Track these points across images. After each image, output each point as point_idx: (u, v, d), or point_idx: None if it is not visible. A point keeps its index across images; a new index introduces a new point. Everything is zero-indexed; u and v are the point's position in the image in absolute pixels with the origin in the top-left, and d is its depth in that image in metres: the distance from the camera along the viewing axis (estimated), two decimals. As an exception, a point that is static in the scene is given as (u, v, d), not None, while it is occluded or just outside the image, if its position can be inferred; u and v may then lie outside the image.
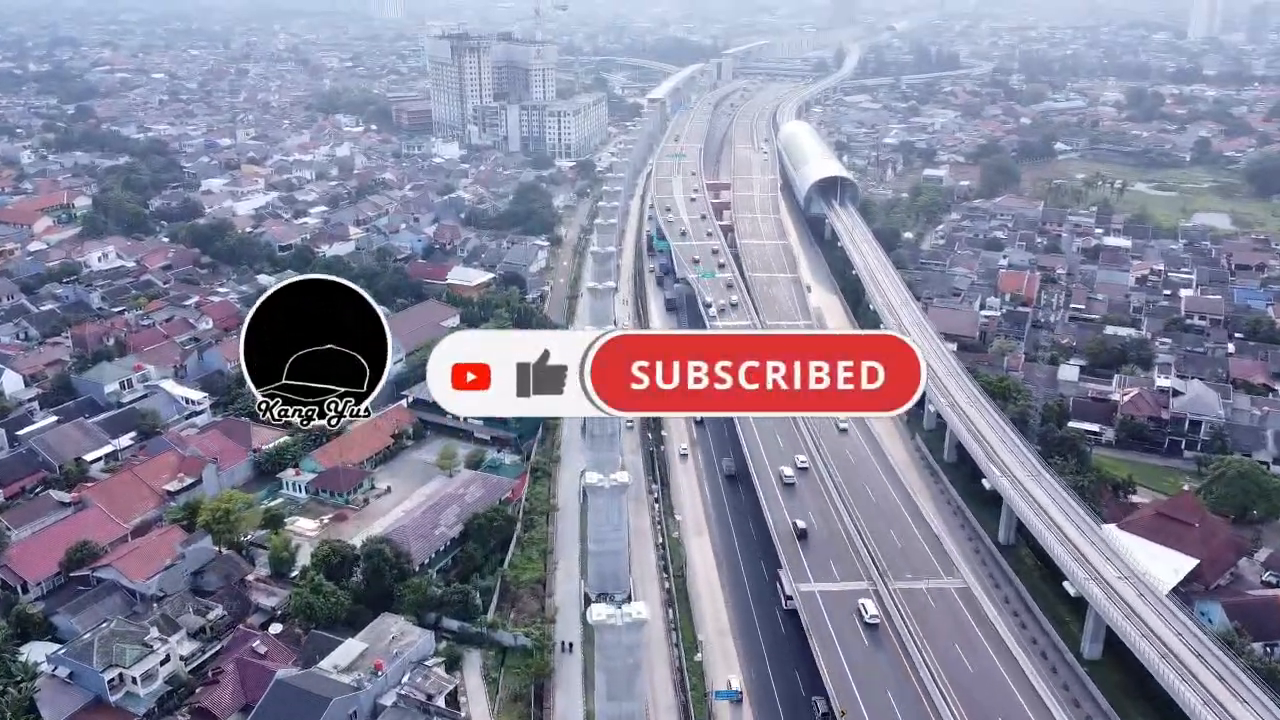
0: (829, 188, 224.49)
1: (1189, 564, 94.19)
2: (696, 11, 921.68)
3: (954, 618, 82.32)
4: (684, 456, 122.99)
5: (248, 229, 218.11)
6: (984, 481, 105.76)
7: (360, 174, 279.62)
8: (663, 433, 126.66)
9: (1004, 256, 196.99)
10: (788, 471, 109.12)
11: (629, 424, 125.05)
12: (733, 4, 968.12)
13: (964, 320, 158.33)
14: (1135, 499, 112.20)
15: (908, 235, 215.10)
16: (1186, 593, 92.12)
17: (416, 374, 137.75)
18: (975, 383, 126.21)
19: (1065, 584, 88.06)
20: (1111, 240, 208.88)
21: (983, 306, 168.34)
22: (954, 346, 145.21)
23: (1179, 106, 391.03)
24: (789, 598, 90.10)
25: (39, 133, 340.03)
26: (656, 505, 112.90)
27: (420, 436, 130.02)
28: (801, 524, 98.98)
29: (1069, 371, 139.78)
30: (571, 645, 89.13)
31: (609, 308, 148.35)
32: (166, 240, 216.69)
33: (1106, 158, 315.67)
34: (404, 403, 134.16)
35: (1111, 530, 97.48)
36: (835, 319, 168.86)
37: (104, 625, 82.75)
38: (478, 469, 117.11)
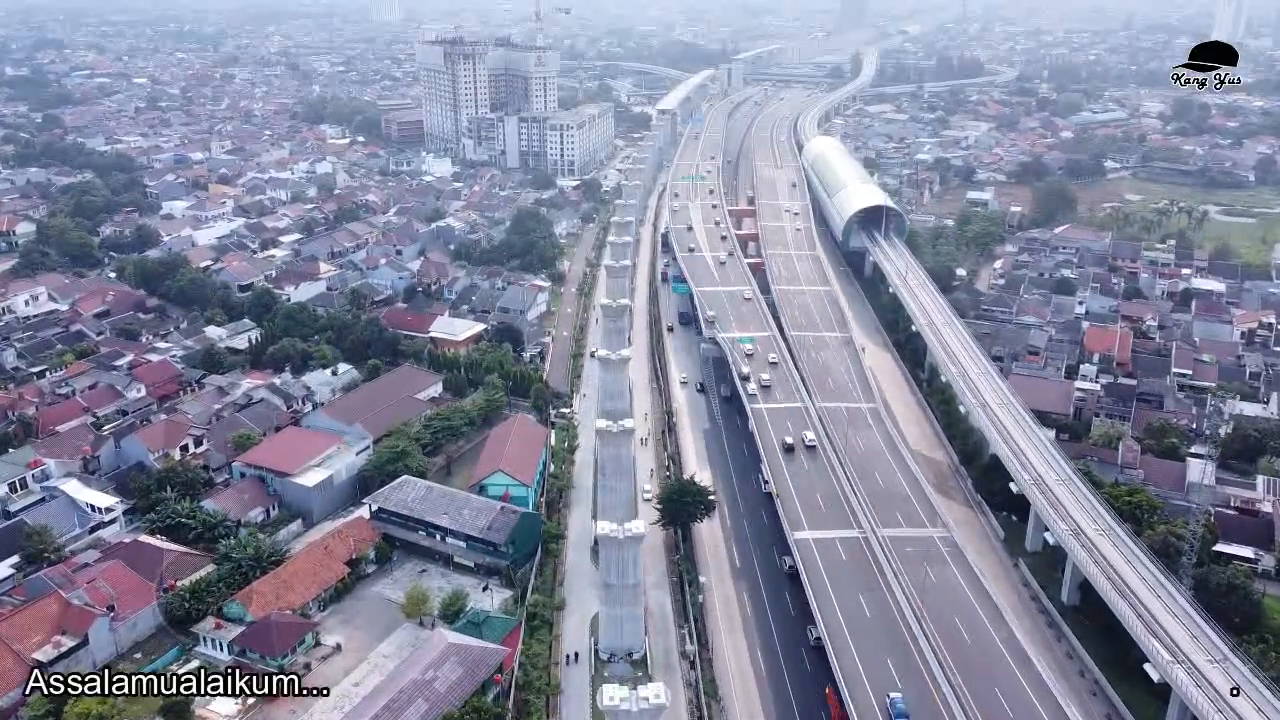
0: (869, 217, 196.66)
1: None
2: (701, 14, 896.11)
3: None
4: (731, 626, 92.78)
5: (206, 263, 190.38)
6: (1148, 669, 77.33)
7: (341, 194, 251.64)
8: (701, 578, 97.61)
9: (1080, 302, 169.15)
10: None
11: (654, 511, 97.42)
12: (736, 6, 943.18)
13: (1054, 394, 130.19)
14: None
15: (961, 272, 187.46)
16: None
17: (385, 472, 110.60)
18: (1097, 496, 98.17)
19: None
20: (1201, 282, 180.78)
21: (1071, 372, 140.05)
22: (1051, 432, 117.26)
23: (1228, 119, 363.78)
24: None
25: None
26: (693, 669, 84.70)
27: (385, 560, 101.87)
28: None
29: (1200, 470, 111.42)
30: None
31: (622, 380, 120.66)
32: (113, 276, 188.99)
33: (1161, 177, 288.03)
34: (365, 512, 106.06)
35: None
36: (893, 389, 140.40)
37: None
38: (456, 620, 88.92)
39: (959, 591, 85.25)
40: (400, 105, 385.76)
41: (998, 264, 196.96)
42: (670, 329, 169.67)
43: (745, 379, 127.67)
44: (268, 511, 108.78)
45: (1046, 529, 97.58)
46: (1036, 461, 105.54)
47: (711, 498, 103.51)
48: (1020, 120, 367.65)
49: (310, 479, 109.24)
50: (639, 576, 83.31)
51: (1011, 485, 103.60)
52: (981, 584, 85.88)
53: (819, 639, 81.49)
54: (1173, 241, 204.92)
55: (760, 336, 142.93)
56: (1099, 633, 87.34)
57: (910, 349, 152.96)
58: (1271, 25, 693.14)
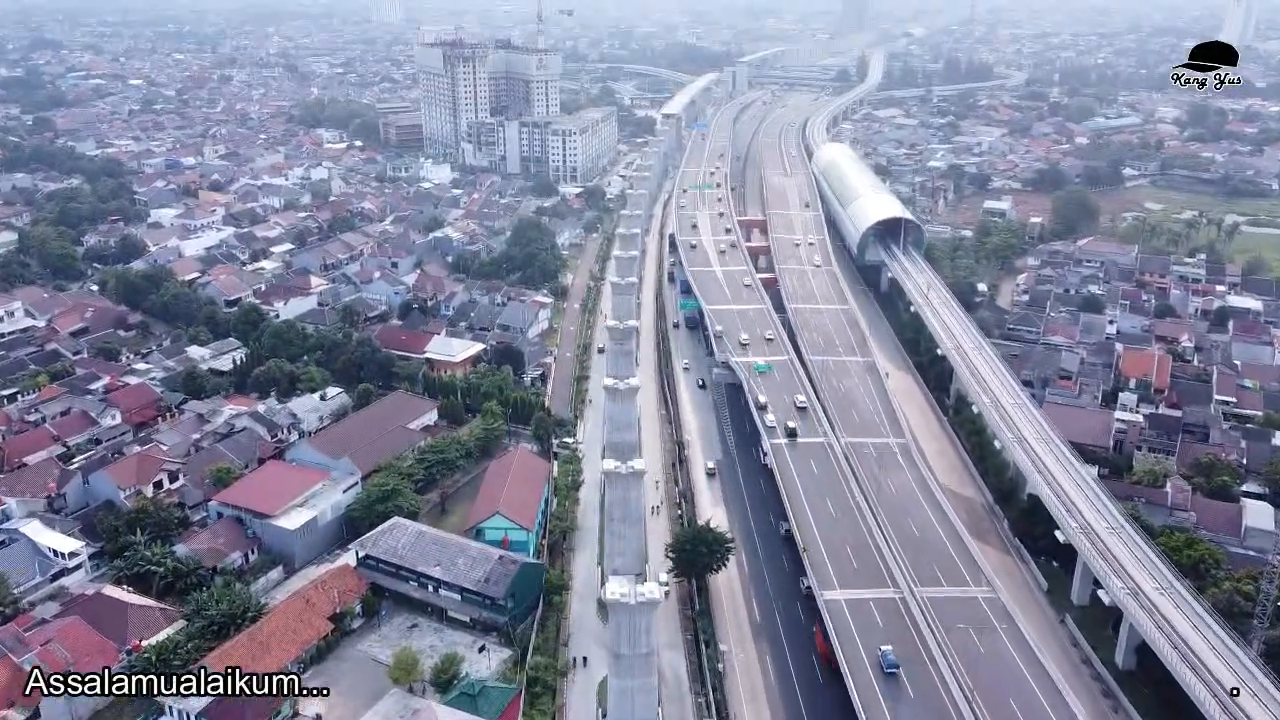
0: (886, 228, 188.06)
1: None
2: (702, 16, 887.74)
3: None
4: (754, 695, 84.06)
5: (192, 275, 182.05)
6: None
7: (336, 201, 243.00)
8: (722, 646, 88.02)
9: (1111, 321, 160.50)
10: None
11: (665, 587, 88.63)
12: (739, 8, 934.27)
13: (1093, 425, 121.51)
14: None
15: (982, 287, 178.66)
16: None
17: (374, 512, 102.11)
18: (1153, 547, 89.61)
19: None
20: (1236, 300, 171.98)
21: (1108, 399, 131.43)
22: (1093, 469, 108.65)
23: (1246, 125, 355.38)
24: None
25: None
26: None
27: (373, 613, 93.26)
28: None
29: (1259, 513, 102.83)
30: None
31: (630, 411, 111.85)
32: (95, 289, 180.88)
33: (1181, 185, 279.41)
34: (351, 558, 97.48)
35: None
36: (918, 416, 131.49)
37: None
38: (449, 688, 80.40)
39: (1010, 664, 76.48)
40: (399, 108, 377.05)
41: (1020, 279, 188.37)
42: (676, 326, 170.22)
43: (763, 408, 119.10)
44: (246, 556, 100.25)
45: (1096, 582, 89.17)
46: (1082, 505, 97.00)
47: (729, 544, 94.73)
48: (1033, 125, 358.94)
49: (292, 521, 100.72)
50: (652, 645, 74.54)
51: (1057, 534, 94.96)
52: (1034, 654, 77.16)
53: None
54: (1203, 256, 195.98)
55: (777, 360, 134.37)
56: (1160, 704, 78.81)
57: (934, 372, 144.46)
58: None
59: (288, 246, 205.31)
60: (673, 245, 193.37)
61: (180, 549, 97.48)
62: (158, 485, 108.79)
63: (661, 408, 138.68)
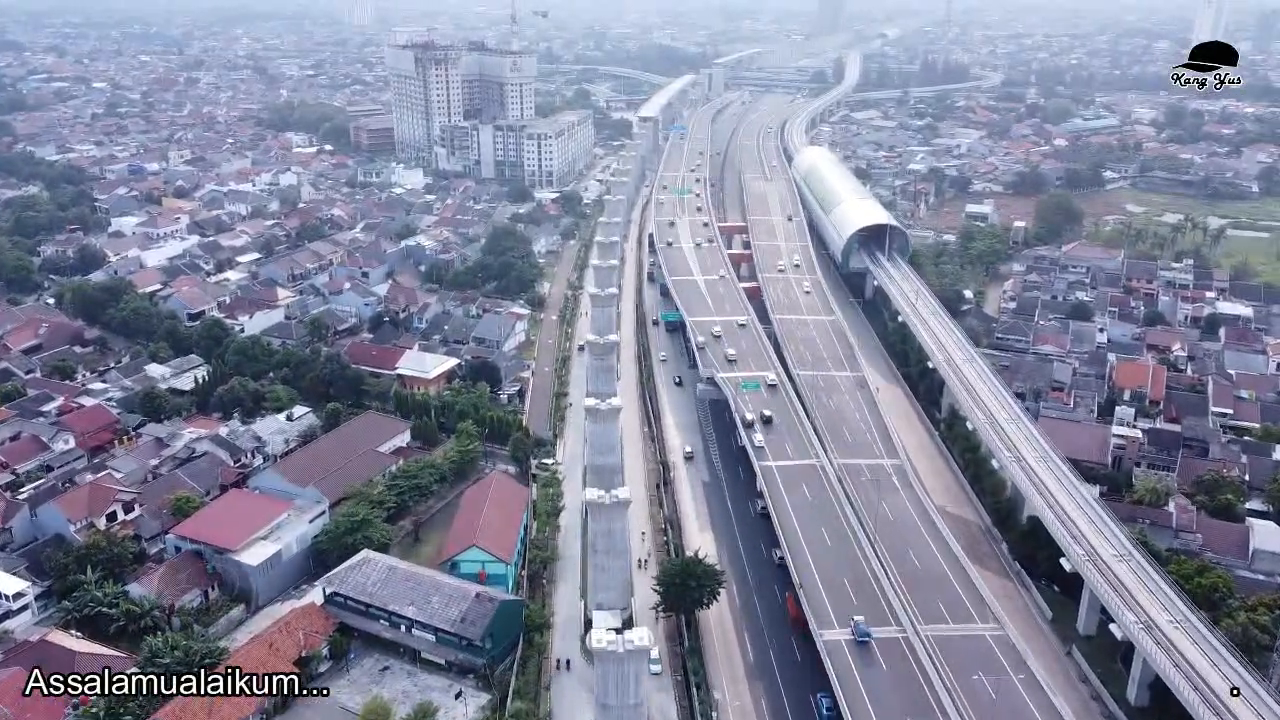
0: (870, 234, 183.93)
1: None
2: (678, 17, 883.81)
3: None
4: None
5: (154, 287, 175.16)
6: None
7: (305, 208, 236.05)
8: (715, 693, 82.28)
9: (1101, 330, 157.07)
10: None
11: (654, 665, 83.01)
12: (714, 9, 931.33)
13: (1089, 440, 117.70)
14: None
15: (968, 294, 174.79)
16: None
17: (343, 545, 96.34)
18: (1164, 576, 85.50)
19: None
20: (1226, 306, 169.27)
21: (1103, 412, 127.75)
22: (1095, 489, 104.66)
23: (1223, 126, 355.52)
24: None
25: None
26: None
27: (341, 655, 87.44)
28: None
29: (1267, 534, 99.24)
30: None
31: (613, 433, 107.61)
32: (51, 302, 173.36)
33: (1161, 187, 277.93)
34: (318, 595, 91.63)
35: None
36: (908, 432, 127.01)
37: None
38: (423, 740, 75.04)
39: (1020, 705, 71.94)
40: (370, 111, 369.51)
41: (1006, 285, 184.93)
42: (655, 323, 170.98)
43: (749, 425, 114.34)
44: (205, 594, 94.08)
45: (1104, 612, 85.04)
46: (1086, 529, 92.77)
47: (720, 578, 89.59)
48: (1011, 127, 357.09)
49: (254, 556, 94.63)
50: (641, 696, 69.68)
51: (1062, 561, 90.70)
52: (1045, 694, 72.71)
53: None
54: (1190, 261, 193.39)
55: (763, 376, 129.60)
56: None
57: (924, 384, 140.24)
58: (1251, 29, 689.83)
59: (254, 256, 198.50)
60: (652, 248, 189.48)
61: (134, 588, 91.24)
62: (111, 517, 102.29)
63: (644, 425, 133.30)
